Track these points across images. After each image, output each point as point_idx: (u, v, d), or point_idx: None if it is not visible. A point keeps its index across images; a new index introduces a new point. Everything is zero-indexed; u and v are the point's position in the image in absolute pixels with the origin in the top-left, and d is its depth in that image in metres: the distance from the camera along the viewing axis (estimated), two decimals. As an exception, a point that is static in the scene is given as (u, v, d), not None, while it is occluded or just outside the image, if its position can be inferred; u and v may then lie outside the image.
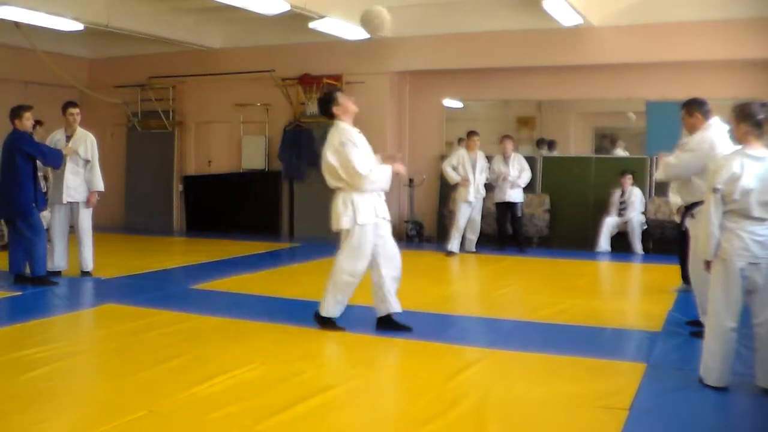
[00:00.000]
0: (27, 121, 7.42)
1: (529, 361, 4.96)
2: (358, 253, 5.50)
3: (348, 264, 5.55)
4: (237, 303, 6.76)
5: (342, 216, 5.47)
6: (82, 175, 7.92)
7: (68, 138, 7.92)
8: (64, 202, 7.85)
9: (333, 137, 5.50)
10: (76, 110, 7.98)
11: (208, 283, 7.79)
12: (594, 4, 9.93)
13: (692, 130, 5.44)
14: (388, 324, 5.62)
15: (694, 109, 5.44)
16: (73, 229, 8.07)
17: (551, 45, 10.52)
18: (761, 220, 4.10)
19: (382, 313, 5.66)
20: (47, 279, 7.48)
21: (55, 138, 7.95)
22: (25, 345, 5.08)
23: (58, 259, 7.85)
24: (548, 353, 5.05)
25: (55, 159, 7.61)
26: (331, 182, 5.54)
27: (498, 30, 10.78)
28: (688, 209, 5.42)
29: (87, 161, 7.93)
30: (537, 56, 10.70)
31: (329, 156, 5.45)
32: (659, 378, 4.48)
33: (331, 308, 5.62)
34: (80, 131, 7.99)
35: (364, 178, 5.36)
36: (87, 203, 7.98)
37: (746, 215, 4.12)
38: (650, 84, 10.47)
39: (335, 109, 5.59)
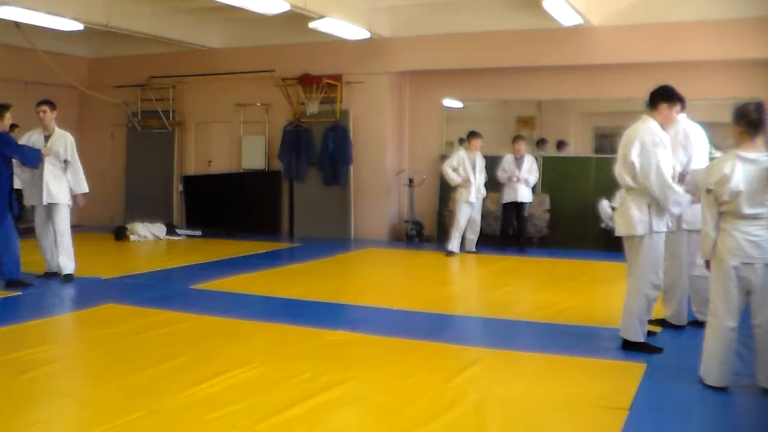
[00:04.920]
0: (7, 121, 7.23)
1: (529, 361, 4.96)
2: (656, 262, 4.99)
3: (652, 275, 4.99)
4: (237, 303, 6.75)
5: (637, 222, 4.93)
6: (60, 176, 7.69)
7: (46, 138, 7.69)
8: (44, 203, 7.62)
9: (643, 134, 4.91)
10: (41, 107, 7.68)
11: (208, 283, 7.79)
12: (594, 4, 9.93)
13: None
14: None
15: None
16: None
17: (551, 45, 10.52)
18: (754, 218, 4.11)
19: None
20: (21, 281, 7.32)
21: (32, 138, 7.69)
22: (25, 345, 5.08)
23: (48, 260, 7.73)
24: (548, 353, 5.05)
25: (35, 159, 7.40)
26: (627, 181, 4.98)
27: (498, 30, 10.78)
28: None
29: (67, 161, 7.72)
30: (537, 56, 10.70)
31: (633, 153, 4.88)
32: (659, 378, 4.48)
33: (639, 330, 5.05)
34: (58, 131, 7.77)
35: (668, 185, 4.83)
36: (77, 204, 7.80)
37: (739, 215, 4.13)
38: (650, 84, 10.33)
39: (661, 107, 5.03)
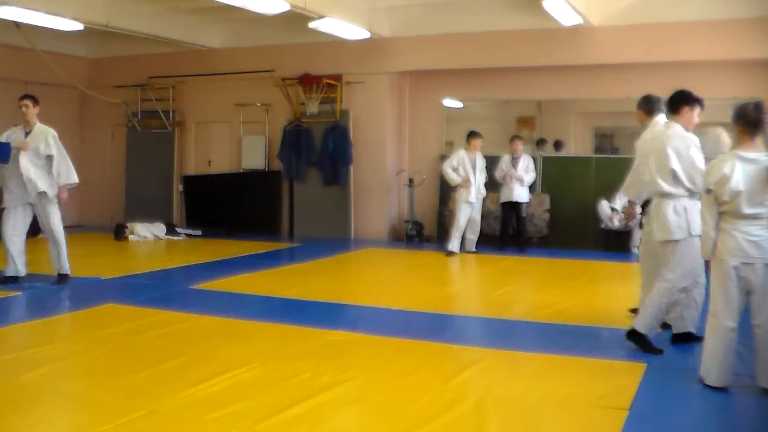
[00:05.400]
0: None
1: (529, 361, 4.96)
2: (692, 265, 4.96)
3: (682, 279, 4.98)
4: (237, 303, 6.75)
5: (675, 226, 4.95)
6: (42, 173, 7.37)
7: (27, 135, 7.44)
8: (30, 201, 7.38)
9: (674, 141, 4.95)
10: (23, 102, 7.39)
11: (208, 283, 7.79)
12: (594, 4, 9.93)
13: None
14: (685, 339, 5.28)
15: (638, 105, 5.69)
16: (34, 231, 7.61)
17: (551, 45, 10.52)
18: (754, 218, 4.12)
19: (680, 330, 5.31)
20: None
21: (13, 135, 7.45)
22: (25, 345, 5.09)
23: (11, 263, 7.41)
24: (548, 353, 5.05)
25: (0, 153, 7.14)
26: (663, 186, 5.00)
27: (498, 30, 10.78)
28: None
29: (49, 156, 7.40)
30: (537, 56, 10.70)
31: (672, 162, 4.92)
32: (659, 378, 4.48)
33: (650, 326, 5.08)
34: (39, 127, 7.46)
35: None
36: (59, 199, 7.47)
37: (739, 215, 4.14)
38: (650, 84, 10.41)
39: (684, 110, 5.08)
